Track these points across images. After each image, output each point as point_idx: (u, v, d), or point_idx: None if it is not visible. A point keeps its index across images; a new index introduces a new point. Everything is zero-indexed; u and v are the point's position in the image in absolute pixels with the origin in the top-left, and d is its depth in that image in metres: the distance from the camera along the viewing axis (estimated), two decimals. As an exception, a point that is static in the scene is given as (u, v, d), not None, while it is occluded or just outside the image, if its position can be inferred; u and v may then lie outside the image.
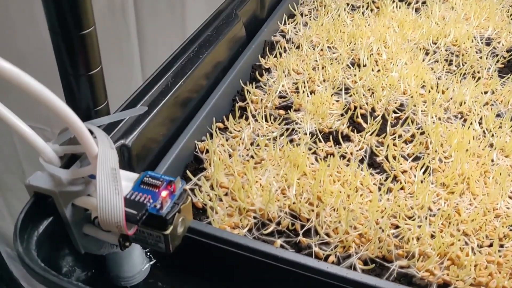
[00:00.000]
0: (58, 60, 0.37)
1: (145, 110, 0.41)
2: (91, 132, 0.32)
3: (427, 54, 0.68)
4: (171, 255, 0.39)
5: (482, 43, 0.71)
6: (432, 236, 0.42)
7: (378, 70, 0.63)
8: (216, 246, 0.38)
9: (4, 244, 1.22)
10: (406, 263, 0.40)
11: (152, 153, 0.47)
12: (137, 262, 0.39)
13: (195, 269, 0.41)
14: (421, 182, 0.47)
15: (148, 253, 0.41)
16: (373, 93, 0.60)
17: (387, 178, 0.48)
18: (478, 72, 0.65)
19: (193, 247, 0.39)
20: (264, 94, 0.59)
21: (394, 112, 0.57)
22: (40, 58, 0.78)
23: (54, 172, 0.33)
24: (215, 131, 0.52)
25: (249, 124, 0.54)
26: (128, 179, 0.34)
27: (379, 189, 0.46)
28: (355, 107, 0.57)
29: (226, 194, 0.45)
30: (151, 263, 0.41)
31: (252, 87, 0.59)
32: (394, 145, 0.52)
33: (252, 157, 0.49)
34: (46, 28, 0.36)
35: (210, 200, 0.44)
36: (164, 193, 0.33)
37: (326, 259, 0.40)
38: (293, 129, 0.54)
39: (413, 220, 0.43)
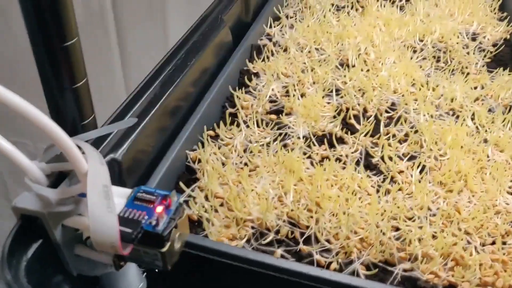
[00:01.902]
0: (41, 73, 0.36)
1: (134, 122, 0.40)
2: (79, 148, 0.31)
3: (414, 52, 0.68)
4: (167, 271, 0.37)
5: (468, 38, 0.71)
6: (434, 237, 0.41)
7: (368, 70, 0.63)
8: (214, 260, 0.37)
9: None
10: (409, 266, 0.39)
11: (143, 166, 0.45)
12: (133, 281, 0.38)
13: (193, 285, 0.40)
14: (419, 181, 0.46)
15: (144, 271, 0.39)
16: (364, 93, 0.59)
17: (384, 180, 0.47)
18: (467, 68, 0.65)
19: (191, 261, 0.38)
20: (254, 99, 0.58)
21: (386, 111, 0.57)
22: (19, 69, 0.75)
23: (41, 193, 0.31)
24: (207, 139, 0.51)
25: (240, 130, 0.53)
26: (120, 195, 0.33)
27: (377, 191, 0.46)
28: (347, 109, 0.56)
29: (221, 205, 0.44)
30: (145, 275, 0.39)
31: (242, 93, 0.58)
32: (389, 145, 0.51)
33: (246, 164, 0.48)
34: (24, 37, 0.35)
35: (205, 211, 0.43)
36: (159, 209, 0.32)
37: (328, 266, 0.39)
38: (286, 134, 0.53)
39: (413, 221, 0.43)
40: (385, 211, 0.43)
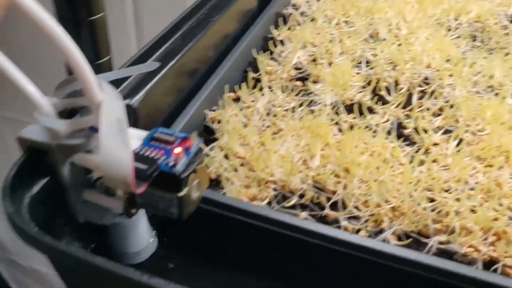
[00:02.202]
0: (55, 2, 0.33)
1: (157, 66, 0.36)
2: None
3: (449, 30, 0.64)
4: (181, 230, 0.34)
5: (507, 20, 0.67)
6: (472, 211, 0.38)
7: (399, 44, 0.59)
8: (233, 218, 0.34)
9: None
10: (445, 238, 0.36)
11: (159, 120, 0.42)
12: (143, 235, 0.34)
13: (208, 246, 0.36)
14: (456, 154, 0.43)
15: (158, 222, 0.36)
16: (395, 66, 0.55)
17: (418, 150, 0.43)
18: (506, 48, 0.61)
19: (207, 219, 0.34)
20: (278, 66, 0.55)
21: (419, 85, 0.53)
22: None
23: (50, 125, 0.29)
24: (227, 101, 0.48)
25: (263, 94, 0.50)
26: (135, 138, 0.30)
27: (410, 162, 0.42)
28: (378, 80, 0.53)
29: (242, 165, 0.41)
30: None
31: (266, 58, 0.55)
32: (423, 117, 0.48)
33: (269, 127, 0.45)
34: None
35: (225, 170, 0.40)
36: (177, 150, 0.29)
37: (356, 233, 0.36)
38: (312, 101, 0.49)
39: (450, 193, 0.39)
40: (419, 181, 0.40)
